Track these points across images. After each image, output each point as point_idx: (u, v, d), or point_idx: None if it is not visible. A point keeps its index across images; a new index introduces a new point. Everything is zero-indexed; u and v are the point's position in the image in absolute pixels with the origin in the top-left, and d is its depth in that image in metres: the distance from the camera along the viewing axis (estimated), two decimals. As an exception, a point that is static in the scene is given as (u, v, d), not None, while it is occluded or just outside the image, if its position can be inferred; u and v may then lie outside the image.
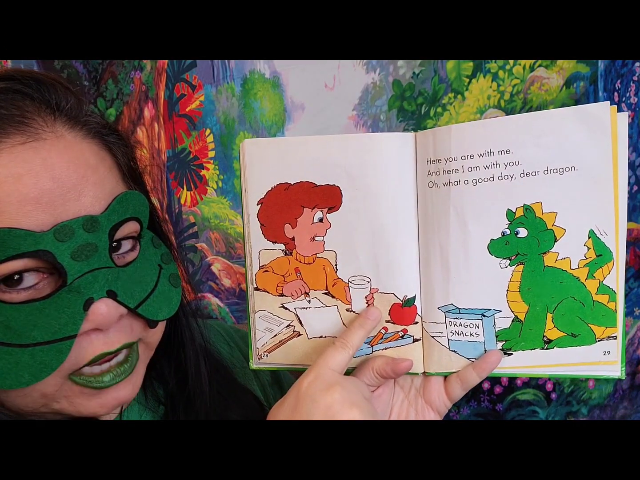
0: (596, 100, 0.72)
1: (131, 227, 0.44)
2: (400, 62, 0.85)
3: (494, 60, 0.78)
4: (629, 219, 0.69)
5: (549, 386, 0.79)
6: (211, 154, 1.09)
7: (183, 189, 1.14)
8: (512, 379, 0.81)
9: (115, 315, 0.40)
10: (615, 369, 0.48)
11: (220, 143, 1.08)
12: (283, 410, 0.43)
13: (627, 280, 0.71)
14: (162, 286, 0.45)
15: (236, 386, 0.57)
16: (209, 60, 1.06)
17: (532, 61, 0.75)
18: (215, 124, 1.08)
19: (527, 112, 0.77)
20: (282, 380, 0.64)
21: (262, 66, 1.00)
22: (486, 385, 0.83)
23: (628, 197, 0.45)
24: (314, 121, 0.96)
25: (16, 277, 0.37)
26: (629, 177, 0.69)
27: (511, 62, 0.77)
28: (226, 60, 1.04)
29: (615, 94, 0.70)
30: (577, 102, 0.73)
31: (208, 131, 1.09)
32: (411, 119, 0.86)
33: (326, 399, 0.42)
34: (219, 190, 1.09)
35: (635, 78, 0.69)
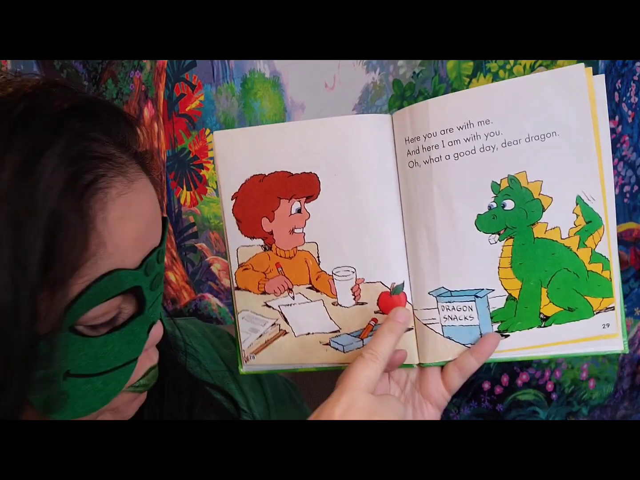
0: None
1: None
2: (400, 62, 0.85)
3: (494, 60, 0.78)
4: (630, 219, 0.69)
5: (550, 386, 0.79)
6: (211, 153, 1.09)
7: (183, 189, 1.14)
8: (512, 379, 0.81)
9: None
10: (616, 343, 0.45)
11: (220, 143, 1.08)
12: None
13: (627, 281, 0.71)
14: None
15: (199, 387, 0.54)
16: (209, 60, 1.06)
17: (532, 61, 0.75)
18: (215, 124, 1.08)
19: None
20: (264, 382, 0.62)
21: (262, 66, 1.00)
22: (486, 386, 0.83)
23: (628, 197, 0.45)
24: (314, 121, 0.96)
25: (121, 316, 0.38)
26: (630, 177, 0.68)
27: (511, 62, 0.77)
28: (226, 60, 1.04)
29: (616, 94, 0.70)
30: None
31: (208, 131, 1.09)
32: (411, 119, 0.86)
33: None
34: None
35: (635, 78, 0.69)
